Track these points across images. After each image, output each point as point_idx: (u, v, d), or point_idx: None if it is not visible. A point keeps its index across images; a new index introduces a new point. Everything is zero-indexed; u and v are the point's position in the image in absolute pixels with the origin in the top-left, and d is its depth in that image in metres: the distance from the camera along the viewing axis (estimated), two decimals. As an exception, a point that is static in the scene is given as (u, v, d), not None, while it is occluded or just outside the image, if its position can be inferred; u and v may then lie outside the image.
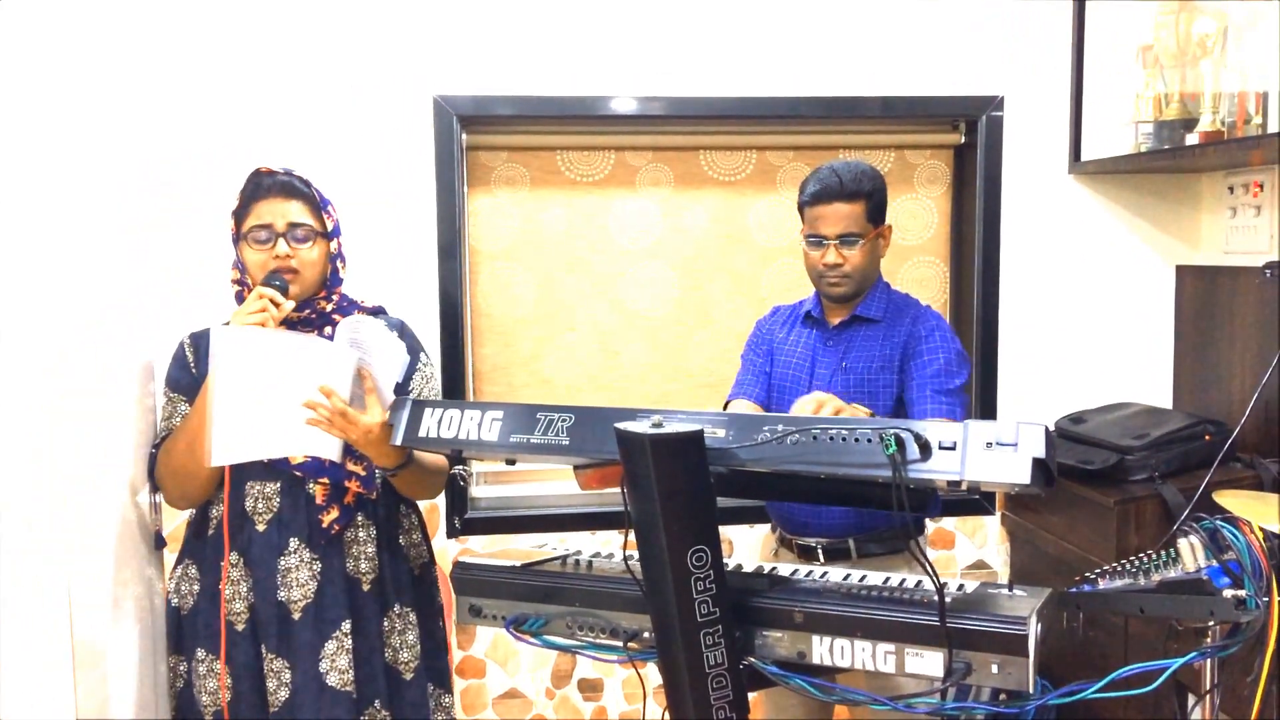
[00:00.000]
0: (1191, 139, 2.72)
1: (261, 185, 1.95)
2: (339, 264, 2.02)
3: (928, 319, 2.24)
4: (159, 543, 2.07)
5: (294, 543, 1.93)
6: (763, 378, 2.34)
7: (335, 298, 2.03)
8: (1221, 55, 2.66)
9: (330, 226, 1.99)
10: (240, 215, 1.96)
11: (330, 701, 1.92)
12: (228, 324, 1.90)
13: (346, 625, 1.94)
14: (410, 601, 2.05)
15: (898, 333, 2.22)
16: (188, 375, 2.01)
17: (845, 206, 2.16)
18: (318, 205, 1.98)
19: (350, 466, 1.94)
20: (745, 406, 2.29)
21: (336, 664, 1.93)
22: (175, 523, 2.12)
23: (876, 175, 2.22)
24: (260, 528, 1.93)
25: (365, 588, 1.98)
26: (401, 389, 2.02)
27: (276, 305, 1.88)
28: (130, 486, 1.96)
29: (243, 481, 1.94)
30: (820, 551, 2.23)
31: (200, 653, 1.95)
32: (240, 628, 1.93)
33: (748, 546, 3.01)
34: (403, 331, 2.07)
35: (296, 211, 1.95)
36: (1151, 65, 2.87)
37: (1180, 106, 2.80)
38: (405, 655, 2.03)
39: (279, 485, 1.94)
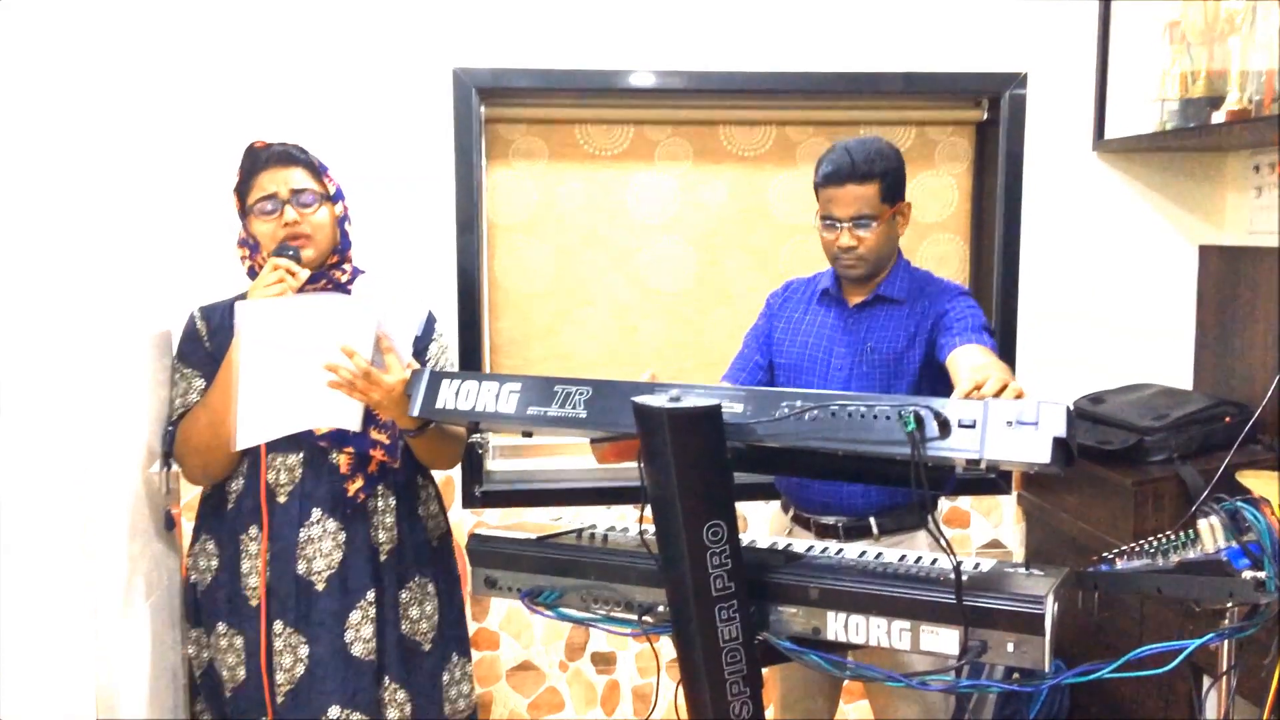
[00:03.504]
0: (1218, 117, 2.68)
1: (259, 157, 1.97)
2: (346, 226, 2.04)
3: (951, 289, 2.21)
4: (169, 524, 2.07)
5: (316, 513, 1.94)
6: (753, 368, 2.33)
7: (348, 266, 2.03)
8: (1250, 32, 2.62)
9: (333, 190, 2.01)
10: (243, 190, 1.99)
11: (355, 672, 1.93)
12: (243, 297, 1.90)
13: (371, 595, 1.95)
14: (429, 572, 2.06)
15: (921, 310, 2.18)
16: (200, 349, 2.01)
17: (858, 188, 2.09)
18: (317, 170, 2.00)
19: (374, 435, 1.94)
20: None
21: (361, 634, 1.94)
22: (189, 495, 2.13)
23: (891, 153, 2.13)
24: (281, 499, 1.94)
25: (383, 558, 1.99)
26: (421, 344, 2.03)
27: (292, 274, 1.89)
28: (144, 459, 1.96)
29: (265, 454, 1.95)
30: (841, 530, 2.23)
31: (221, 627, 1.97)
32: (254, 603, 1.94)
33: (762, 523, 3.01)
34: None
35: (299, 178, 1.97)
36: (1178, 42, 2.83)
37: (1207, 84, 2.76)
38: (424, 626, 2.04)
39: (301, 456, 1.95)
